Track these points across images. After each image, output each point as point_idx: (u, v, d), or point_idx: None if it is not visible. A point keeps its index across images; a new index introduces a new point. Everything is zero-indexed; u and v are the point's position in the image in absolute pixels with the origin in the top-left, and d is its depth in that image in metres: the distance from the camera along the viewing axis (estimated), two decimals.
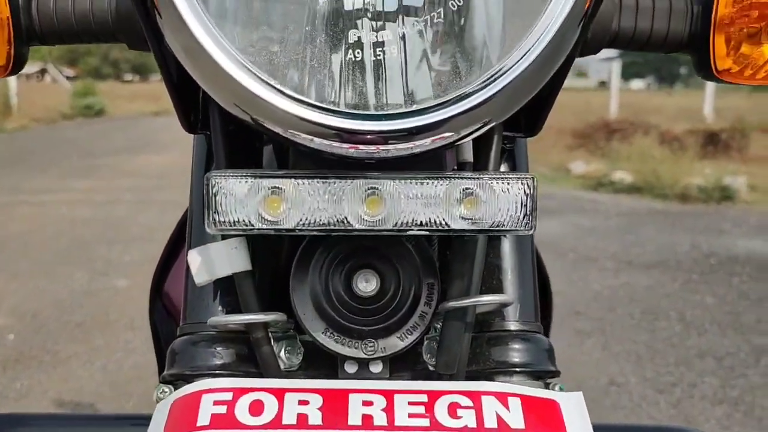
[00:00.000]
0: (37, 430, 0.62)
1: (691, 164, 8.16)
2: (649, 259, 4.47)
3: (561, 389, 0.51)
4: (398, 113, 0.38)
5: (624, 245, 4.92)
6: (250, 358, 0.50)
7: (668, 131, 10.94)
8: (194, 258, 0.50)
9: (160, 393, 0.49)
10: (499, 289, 0.53)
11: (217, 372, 0.49)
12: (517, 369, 0.51)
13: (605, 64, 20.23)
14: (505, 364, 0.51)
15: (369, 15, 0.37)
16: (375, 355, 0.48)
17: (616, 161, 8.73)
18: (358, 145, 0.39)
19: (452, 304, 0.48)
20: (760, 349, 2.92)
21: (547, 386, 0.52)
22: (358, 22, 0.38)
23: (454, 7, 0.38)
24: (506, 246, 0.54)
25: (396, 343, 0.49)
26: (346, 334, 0.48)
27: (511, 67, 0.38)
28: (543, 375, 0.52)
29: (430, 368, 0.51)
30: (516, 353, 0.52)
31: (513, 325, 0.53)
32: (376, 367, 0.51)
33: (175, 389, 0.47)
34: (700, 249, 4.75)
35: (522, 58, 0.38)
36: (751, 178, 7.38)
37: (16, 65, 0.45)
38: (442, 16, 0.38)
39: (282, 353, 0.51)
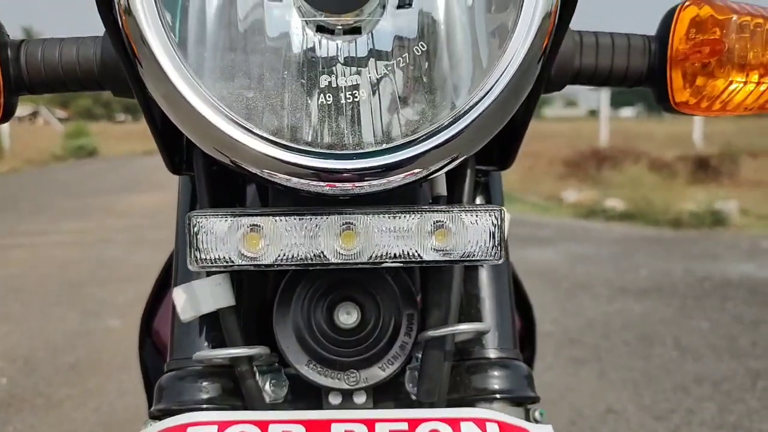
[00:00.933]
0: None
1: (682, 190, 8.21)
2: (643, 285, 4.48)
3: (541, 413, 0.52)
4: (371, 152, 0.39)
5: (618, 272, 4.93)
6: (235, 391, 0.51)
7: (659, 158, 11.03)
8: (179, 295, 0.51)
9: (148, 427, 0.50)
10: (477, 318, 0.54)
11: (203, 406, 0.50)
12: (497, 396, 0.51)
13: (594, 93, 20.52)
14: (485, 391, 0.51)
15: (341, 61, 0.39)
16: (357, 386, 0.49)
17: (607, 189, 8.78)
18: (334, 183, 0.40)
19: (431, 333, 0.48)
20: (756, 373, 2.91)
21: (527, 412, 0.52)
22: (332, 68, 0.39)
23: (419, 51, 0.39)
24: (483, 275, 0.55)
25: (378, 373, 0.49)
26: (329, 366, 0.49)
27: (475, 105, 0.39)
28: (523, 401, 0.53)
29: (413, 397, 0.51)
30: (495, 380, 0.52)
31: (492, 353, 0.53)
32: (360, 398, 0.51)
33: None
34: (694, 274, 4.76)
35: (485, 96, 0.39)
36: (743, 203, 7.43)
37: (5, 114, 0.46)
38: (409, 59, 0.40)
39: (267, 386, 0.51)
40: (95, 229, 6.90)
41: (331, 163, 0.39)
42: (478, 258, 0.43)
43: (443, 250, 0.43)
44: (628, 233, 6.73)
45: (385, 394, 0.52)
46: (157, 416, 0.51)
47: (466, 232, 0.43)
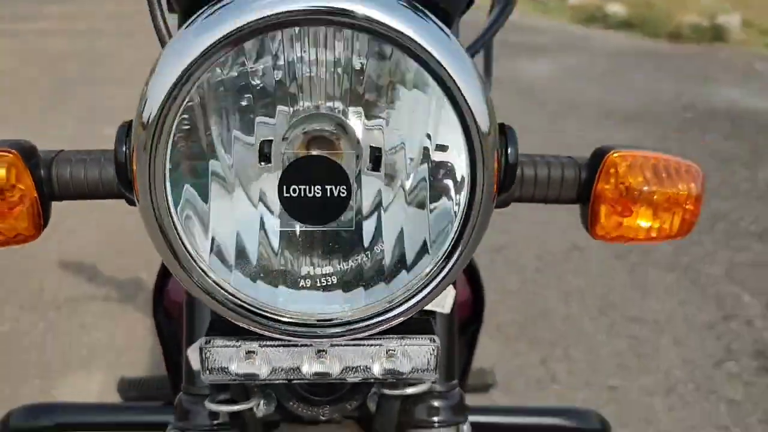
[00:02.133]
0: (69, 418, 0.77)
1: None
2: (629, 109, 4.56)
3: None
4: (341, 323, 0.48)
5: (607, 92, 4.97)
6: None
7: None
8: (194, 356, 0.61)
9: None
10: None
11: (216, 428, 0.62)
12: (435, 423, 0.64)
13: None
14: (426, 421, 0.63)
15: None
16: (330, 416, 0.62)
17: None
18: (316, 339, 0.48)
19: (386, 392, 0.60)
20: (717, 215, 3.13)
21: (458, 428, 0.65)
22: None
23: (378, 253, 0.47)
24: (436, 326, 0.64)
25: (345, 408, 0.62)
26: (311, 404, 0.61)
27: (437, 274, 0.47)
28: (456, 423, 0.65)
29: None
30: (435, 410, 0.64)
31: (435, 386, 0.64)
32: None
33: None
34: (681, 99, 4.82)
35: (439, 273, 0.47)
36: (747, 14, 7.23)
37: (45, 222, 0.52)
38: (366, 258, 0.47)
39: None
40: (83, 16, 6.66)
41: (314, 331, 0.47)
42: (416, 377, 0.52)
43: (392, 372, 0.52)
44: (625, 46, 6.62)
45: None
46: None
47: (409, 360, 0.52)
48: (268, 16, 0.39)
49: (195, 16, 0.41)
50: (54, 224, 0.55)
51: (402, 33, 0.40)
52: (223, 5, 0.40)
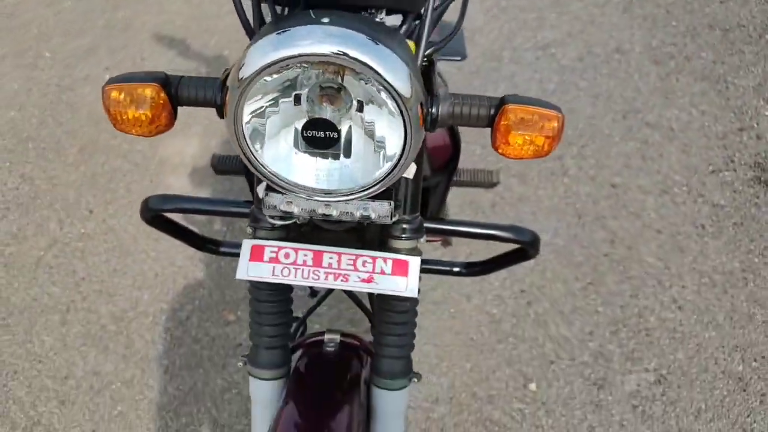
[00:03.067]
0: (185, 204, 1.17)
1: None
2: None
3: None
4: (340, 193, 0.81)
5: None
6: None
7: None
8: (261, 190, 0.98)
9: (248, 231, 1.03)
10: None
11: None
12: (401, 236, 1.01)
13: None
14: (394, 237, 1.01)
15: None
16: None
17: None
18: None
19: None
20: None
21: None
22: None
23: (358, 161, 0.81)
24: None
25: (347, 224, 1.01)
26: None
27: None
28: (416, 237, 1.02)
29: None
30: (401, 229, 1.00)
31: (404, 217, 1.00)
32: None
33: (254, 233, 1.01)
34: None
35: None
36: None
37: (172, 122, 0.87)
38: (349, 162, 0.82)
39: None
40: None
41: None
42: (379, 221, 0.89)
43: (365, 217, 0.88)
44: None
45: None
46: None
47: (374, 212, 0.88)
48: (299, 55, 0.70)
49: (264, 33, 0.72)
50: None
51: (359, 62, 0.70)
52: (284, 31, 0.70)
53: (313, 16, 0.72)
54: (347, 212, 0.88)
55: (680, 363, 1.94)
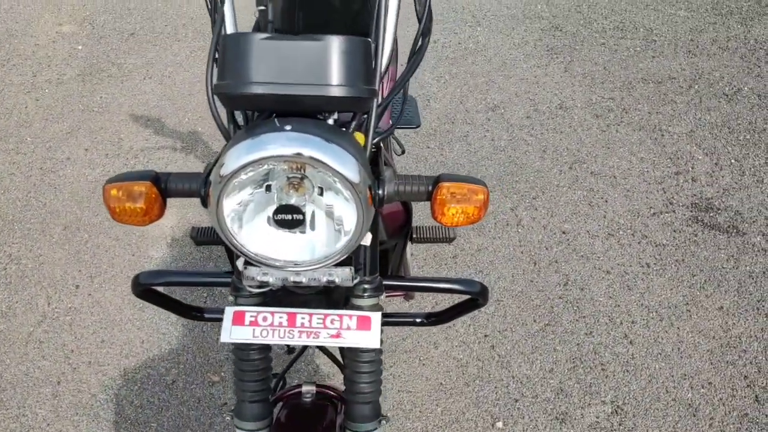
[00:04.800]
0: (172, 278, 1.32)
1: None
2: None
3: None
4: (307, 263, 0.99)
5: None
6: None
7: None
8: (240, 264, 1.17)
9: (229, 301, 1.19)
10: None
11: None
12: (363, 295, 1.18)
13: None
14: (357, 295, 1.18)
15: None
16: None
17: None
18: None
19: None
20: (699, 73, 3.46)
21: None
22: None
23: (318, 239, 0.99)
24: None
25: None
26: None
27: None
28: (376, 295, 1.19)
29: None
30: (362, 289, 1.18)
31: (365, 278, 1.18)
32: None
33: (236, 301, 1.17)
34: None
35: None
36: None
37: (161, 213, 1.03)
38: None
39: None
40: None
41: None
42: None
43: (330, 281, 1.07)
44: None
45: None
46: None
47: (338, 277, 1.06)
48: (269, 157, 0.88)
49: (239, 139, 0.90)
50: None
51: (315, 159, 0.88)
52: (255, 137, 0.89)
53: (278, 124, 0.90)
54: (315, 278, 1.05)
55: (634, 393, 2.11)
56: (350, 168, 0.90)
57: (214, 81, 0.97)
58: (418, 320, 1.49)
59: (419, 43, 1.14)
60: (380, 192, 0.98)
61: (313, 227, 0.97)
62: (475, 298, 1.35)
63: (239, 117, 1.07)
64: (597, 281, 2.43)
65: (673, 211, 2.72)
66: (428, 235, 2.08)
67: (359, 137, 1.03)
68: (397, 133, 2.69)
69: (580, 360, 2.19)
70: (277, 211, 0.95)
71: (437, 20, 3.91)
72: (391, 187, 1.01)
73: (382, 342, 1.18)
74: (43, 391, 2.05)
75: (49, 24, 3.82)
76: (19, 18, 3.87)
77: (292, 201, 0.95)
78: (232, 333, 1.11)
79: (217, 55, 1.00)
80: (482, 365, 2.16)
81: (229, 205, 0.94)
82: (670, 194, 2.80)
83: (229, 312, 1.13)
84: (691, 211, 2.72)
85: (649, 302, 2.37)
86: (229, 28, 1.09)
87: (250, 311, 1.12)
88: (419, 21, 1.18)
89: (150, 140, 3.00)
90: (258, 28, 1.10)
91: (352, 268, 1.05)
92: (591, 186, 2.82)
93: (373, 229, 1.14)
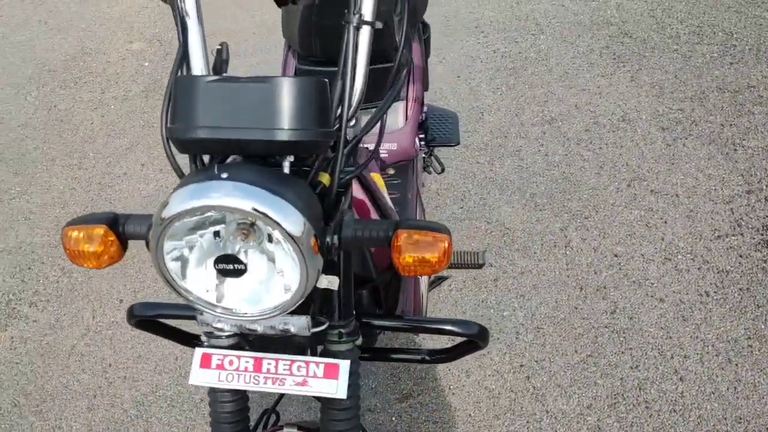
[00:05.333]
0: (165, 311, 1.32)
1: None
2: None
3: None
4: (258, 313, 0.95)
5: None
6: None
7: None
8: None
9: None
10: None
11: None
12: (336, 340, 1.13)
13: None
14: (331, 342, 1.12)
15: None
16: None
17: None
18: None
19: None
20: None
21: None
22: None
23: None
24: None
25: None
26: None
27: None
28: (352, 340, 1.13)
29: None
30: (336, 334, 1.12)
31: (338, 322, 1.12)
32: None
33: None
34: None
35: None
36: None
37: (121, 255, 1.02)
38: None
39: None
40: None
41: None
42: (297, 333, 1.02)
43: (284, 330, 1.01)
44: None
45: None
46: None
47: (293, 325, 1.00)
48: (194, 207, 0.85)
49: (183, 183, 0.87)
50: None
51: (259, 212, 0.84)
52: (191, 184, 0.86)
53: (216, 171, 0.87)
54: (270, 326, 1.01)
55: None
56: (288, 218, 0.86)
57: (168, 123, 0.95)
58: (421, 357, 1.43)
59: (394, 75, 1.08)
60: (329, 240, 0.92)
61: (260, 276, 0.94)
62: (474, 340, 1.27)
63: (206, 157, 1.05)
64: (648, 310, 2.27)
65: (741, 234, 2.50)
66: (454, 261, 2.00)
67: (324, 178, 0.99)
68: (437, 151, 2.62)
69: (623, 396, 2.04)
70: (218, 260, 0.92)
71: (498, 28, 3.79)
72: (348, 232, 0.95)
73: (356, 388, 1.13)
74: (80, 404, 2.11)
75: (120, 41, 3.98)
76: (95, 37, 4.05)
77: (237, 247, 0.92)
78: (199, 376, 1.09)
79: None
80: (515, 397, 2.06)
81: (170, 248, 0.91)
82: (739, 215, 2.58)
83: (198, 353, 1.10)
84: (762, 235, 2.49)
85: (705, 335, 2.18)
86: (195, 68, 1.07)
87: (217, 354, 1.09)
88: (396, 50, 1.11)
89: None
90: (215, 68, 1.07)
91: (308, 317, 1.01)
92: (650, 205, 2.64)
93: (346, 271, 1.09)
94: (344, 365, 1.07)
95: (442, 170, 2.44)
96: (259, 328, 1.01)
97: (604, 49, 3.55)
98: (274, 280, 0.93)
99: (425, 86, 2.26)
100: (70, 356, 2.26)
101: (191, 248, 0.92)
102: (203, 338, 1.13)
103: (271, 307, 0.93)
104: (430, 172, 2.44)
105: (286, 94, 0.89)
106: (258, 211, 0.84)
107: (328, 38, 1.71)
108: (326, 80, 0.95)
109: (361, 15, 1.02)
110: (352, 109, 1.02)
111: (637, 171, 2.80)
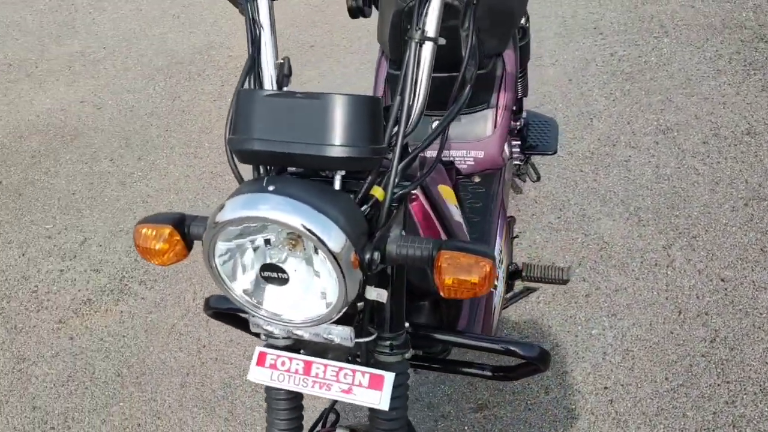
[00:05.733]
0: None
1: None
2: None
3: None
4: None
5: None
6: None
7: None
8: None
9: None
10: None
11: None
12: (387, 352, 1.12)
13: None
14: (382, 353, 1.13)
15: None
16: None
17: None
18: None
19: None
20: None
21: None
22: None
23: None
24: None
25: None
26: None
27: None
28: (402, 353, 1.13)
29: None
30: (387, 346, 1.13)
31: (386, 334, 1.12)
32: None
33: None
34: None
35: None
36: None
37: (189, 249, 1.08)
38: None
39: None
40: None
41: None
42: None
43: (329, 339, 1.03)
44: None
45: None
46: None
47: (337, 335, 1.02)
48: (240, 218, 0.88)
49: (238, 191, 0.91)
50: None
51: (299, 227, 0.86)
52: (242, 194, 0.90)
53: (264, 185, 0.90)
54: (316, 334, 1.04)
55: None
56: (328, 233, 0.87)
57: (230, 134, 1.00)
58: (483, 372, 1.41)
59: (458, 90, 1.06)
60: (369, 256, 0.93)
61: (303, 285, 0.96)
62: (533, 363, 1.24)
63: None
64: (753, 342, 2.10)
65: None
66: (538, 275, 1.95)
67: (377, 192, 0.99)
68: (534, 159, 2.55)
69: None
70: (263, 268, 0.95)
71: (617, 30, 3.62)
72: (392, 249, 0.96)
73: (402, 400, 1.13)
74: (174, 380, 2.26)
75: (243, 36, 4.17)
76: (220, 31, 4.28)
77: (284, 255, 0.95)
78: (254, 373, 1.13)
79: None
80: (595, 420, 1.98)
81: (223, 249, 0.95)
82: None
83: (257, 351, 1.15)
84: None
85: None
86: (265, 81, 1.10)
87: (272, 353, 1.13)
88: (464, 61, 1.09)
89: None
90: (277, 82, 1.11)
91: (352, 329, 1.02)
92: (767, 228, 2.44)
93: (397, 284, 1.09)
94: (389, 377, 1.07)
95: (538, 178, 2.38)
96: (305, 335, 1.04)
97: (735, 55, 3.30)
98: (316, 290, 0.95)
99: (524, 92, 2.21)
100: (170, 334, 2.42)
101: (242, 252, 0.96)
102: (263, 337, 1.17)
103: (313, 316, 0.96)
104: (525, 180, 2.39)
105: (338, 110, 0.91)
106: (299, 226, 0.87)
107: None
108: (379, 97, 0.96)
109: (424, 31, 1.01)
110: (410, 125, 1.02)
111: (758, 190, 2.59)
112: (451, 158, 1.83)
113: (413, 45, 1.01)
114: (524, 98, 2.26)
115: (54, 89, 3.95)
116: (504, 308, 2.17)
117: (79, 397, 2.23)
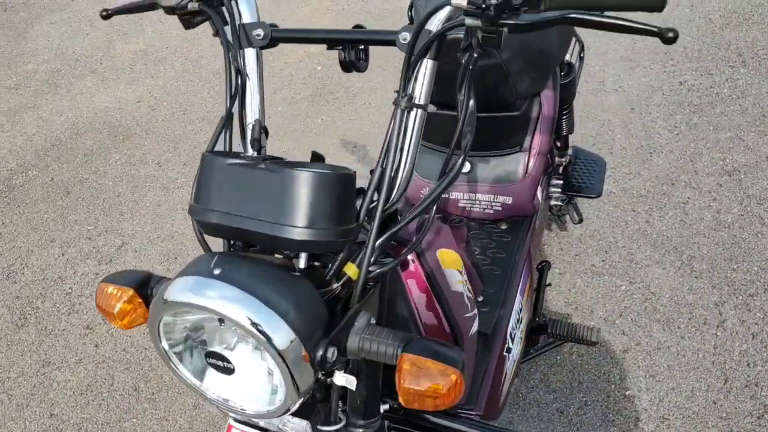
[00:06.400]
0: None
1: None
2: None
3: None
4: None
5: None
6: None
7: None
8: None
9: None
10: None
11: None
12: None
13: None
14: None
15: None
16: None
17: None
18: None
19: None
20: None
21: None
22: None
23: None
24: None
25: None
26: None
27: None
28: None
29: None
30: None
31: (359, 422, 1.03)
32: None
33: None
34: None
35: None
36: None
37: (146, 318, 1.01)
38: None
39: None
40: None
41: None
42: None
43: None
44: None
45: None
46: None
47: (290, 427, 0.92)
48: (180, 302, 0.80)
49: (187, 268, 0.84)
50: None
51: (237, 321, 0.77)
52: (186, 276, 0.82)
53: (212, 266, 0.82)
54: (270, 422, 0.95)
55: None
56: (274, 331, 0.78)
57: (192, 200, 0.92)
58: None
59: (450, 155, 0.95)
60: (321, 353, 0.82)
61: (252, 375, 0.88)
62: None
63: None
64: None
65: None
66: (564, 333, 1.81)
67: (350, 270, 0.90)
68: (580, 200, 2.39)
69: None
70: (207, 354, 0.87)
71: (690, 57, 3.39)
72: (353, 343, 0.86)
73: None
74: (187, 401, 2.23)
75: (302, 46, 4.13)
76: None
77: (233, 342, 0.86)
78: None
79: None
80: None
81: (169, 329, 0.88)
82: None
83: (227, 422, 1.09)
84: None
85: None
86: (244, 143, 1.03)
87: (237, 428, 1.06)
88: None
89: (350, 167, 3.08)
90: (251, 145, 1.03)
91: (309, 422, 0.93)
92: None
93: (371, 370, 0.99)
94: None
95: (580, 221, 2.22)
96: (261, 422, 0.96)
97: None
98: (266, 382, 0.86)
99: (569, 129, 2.06)
100: None
101: (195, 330, 0.89)
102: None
103: (262, 410, 0.87)
104: (565, 221, 2.23)
105: (301, 188, 0.82)
106: (242, 320, 0.78)
107: (445, 81, 1.61)
108: (352, 173, 0.87)
109: (412, 98, 0.91)
110: (394, 197, 0.92)
111: None
112: (477, 202, 1.71)
113: (398, 112, 0.91)
114: (570, 134, 2.11)
115: (114, 87, 4.02)
116: (526, 361, 2.03)
117: (95, 408, 2.23)
